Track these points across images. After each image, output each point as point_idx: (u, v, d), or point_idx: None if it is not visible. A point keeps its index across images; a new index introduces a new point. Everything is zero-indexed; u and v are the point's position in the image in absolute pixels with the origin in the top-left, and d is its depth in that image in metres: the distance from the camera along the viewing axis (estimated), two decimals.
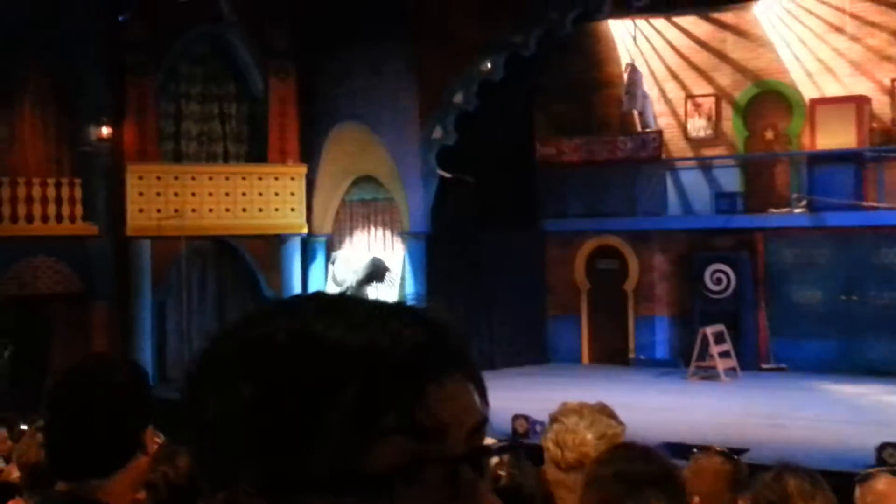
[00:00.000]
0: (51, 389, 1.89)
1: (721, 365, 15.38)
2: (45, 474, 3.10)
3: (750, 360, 16.22)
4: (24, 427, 7.87)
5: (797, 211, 16.16)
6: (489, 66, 16.66)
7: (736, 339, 15.99)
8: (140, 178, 16.70)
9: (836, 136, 16.04)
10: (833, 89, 16.38)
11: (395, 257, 17.36)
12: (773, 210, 16.45)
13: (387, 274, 17.21)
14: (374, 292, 17.27)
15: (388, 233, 17.60)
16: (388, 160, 17.14)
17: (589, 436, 2.63)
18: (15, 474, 4.52)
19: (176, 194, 16.81)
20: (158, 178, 16.82)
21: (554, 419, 2.82)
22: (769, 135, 16.98)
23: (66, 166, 16.43)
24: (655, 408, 13.09)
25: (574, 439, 2.64)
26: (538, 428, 11.16)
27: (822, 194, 15.97)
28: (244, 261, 17.40)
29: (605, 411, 2.80)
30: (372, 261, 17.18)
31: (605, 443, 2.61)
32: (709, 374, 15.48)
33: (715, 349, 15.44)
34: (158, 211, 16.65)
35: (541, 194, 18.21)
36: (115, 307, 16.11)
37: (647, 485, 1.96)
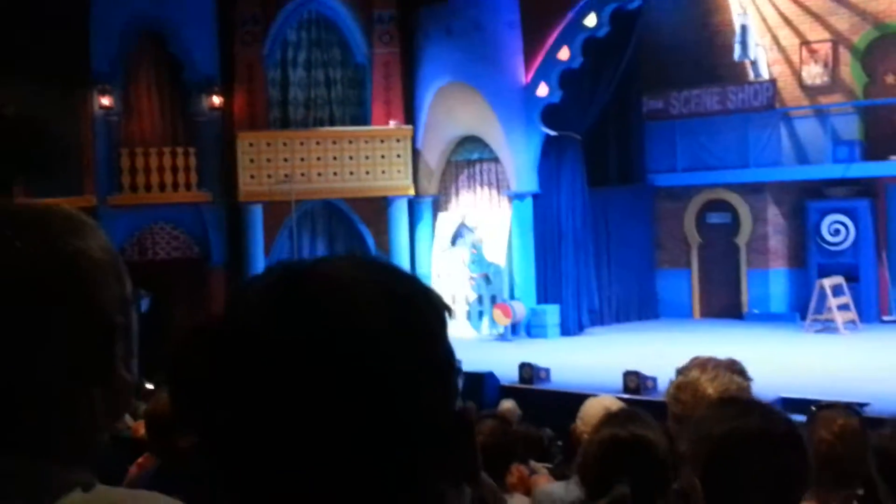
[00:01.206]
0: (174, 348, 1.99)
1: (840, 318, 14.94)
2: (173, 431, 3.23)
3: (870, 313, 15.73)
4: (149, 386, 8.21)
5: None
6: (594, 20, 16.37)
7: (855, 291, 15.49)
8: (250, 144, 17.08)
9: None
10: None
11: (503, 216, 17.35)
12: (895, 157, 15.79)
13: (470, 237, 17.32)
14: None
15: (494, 192, 17.58)
16: (493, 119, 17.07)
17: (710, 390, 2.58)
18: (142, 431, 4.70)
19: (285, 160, 17.14)
20: (268, 144, 17.17)
21: (678, 373, 2.78)
22: (890, 80, 16.27)
23: (180, 136, 16.92)
24: (771, 362, 12.79)
25: (695, 394, 2.59)
26: (649, 383, 11.06)
27: None
28: (352, 223, 17.67)
29: (731, 367, 2.74)
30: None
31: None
32: (827, 327, 15.06)
33: (833, 302, 15.00)
34: (269, 176, 17.02)
35: (649, 149, 17.89)
36: (230, 271, 16.59)
37: (758, 442, 1.89)
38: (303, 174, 17.14)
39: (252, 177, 17.03)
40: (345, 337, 0.79)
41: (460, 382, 0.86)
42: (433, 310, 0.85)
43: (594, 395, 4.43)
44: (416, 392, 0.80)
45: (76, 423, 0.96)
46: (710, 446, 1.89)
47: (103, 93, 16.03)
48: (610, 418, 2.75)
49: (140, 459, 3.83)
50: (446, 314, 0.86)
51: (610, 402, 4.04)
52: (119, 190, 16.25)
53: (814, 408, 3.68)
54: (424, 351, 0.82)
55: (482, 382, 11.83)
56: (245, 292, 0.86)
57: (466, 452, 0.84)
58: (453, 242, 17.65)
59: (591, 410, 3.97)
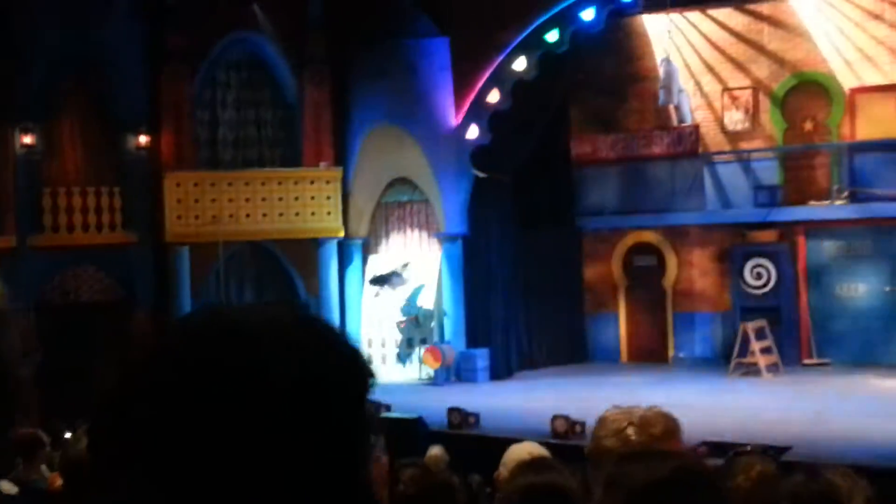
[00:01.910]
0: (97, 394, 1.93)
1: (763, 361, 15.21)
2: (91, 480, 3.14)
3: (792, 356, 16.03)
4: (68, 435, 7.96)
5: (838, 203, 15.93)
6: (524, 64, 16.61)
7: (778, 335, 15.80)
8: (178, 185, 16.86)
9: (877, 125, 15.80)
10: (873, 78, 16.14)
11: (432, 258, 17.37)
12: (814, 202, 16.24)
13: (394, 279, 17.33)
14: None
15: (424, 234, 17.61)
16: (423, 161, 17.15)
17: (634, 437, 2.60)
18: (58, 482, 4.54)
19: (213, 200, 16.95)
20: (196, 184, 16.96)
21: (600, 420, 2.79)
22: (808, 126, 16.77)
23: (105, 175, 16.60)
24: (696, 406, 12.95)
25: (622, 441, 2.60)
26: (578, 428, 11.10)
27: (864, 185, 15.74)
28: (282, 265, 17.51)
29: (653, 410, 2.76)
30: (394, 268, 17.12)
31: (651, 442, 2.58)
32: (750, 371, 15.31)
33: (756, 345, 15.27)
34: (196, 217, 16.80)
35: (577, 191, 18.12)
36: (156, 314, 16.26)
37: (671, 488, 1.90)
38: (231, 215, 16.96)
39: (179, 217, 16.78)
40: (249, 393, 0.79)
41: (380, 442, 0.86)
42: (354, 376, 0.84)
43: (517, 442, 4.41)
44: (321, 455, 0.80)
45: None
46: (624, 498, 1.88)
47: (25, 131, 15.69)
48: (527, 466, 2.74)
49: None
50: (369, 381, 0.86)
51: (532, 448, 4.02)
52: (41, 230, 15.85)
53: (731, 452, 3.69)
54: (337, 416, 0.81)
55: (411, 428, 11.74)
56: (158, 339, 0.87)
57: None
58: (381, 284, 17.59)
59: (514, 456, 3.95)
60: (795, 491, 2.66)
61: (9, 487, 5.17)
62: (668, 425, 2.63)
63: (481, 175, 16.82)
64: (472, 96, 16.70)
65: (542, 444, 4.60)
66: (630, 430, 2.54)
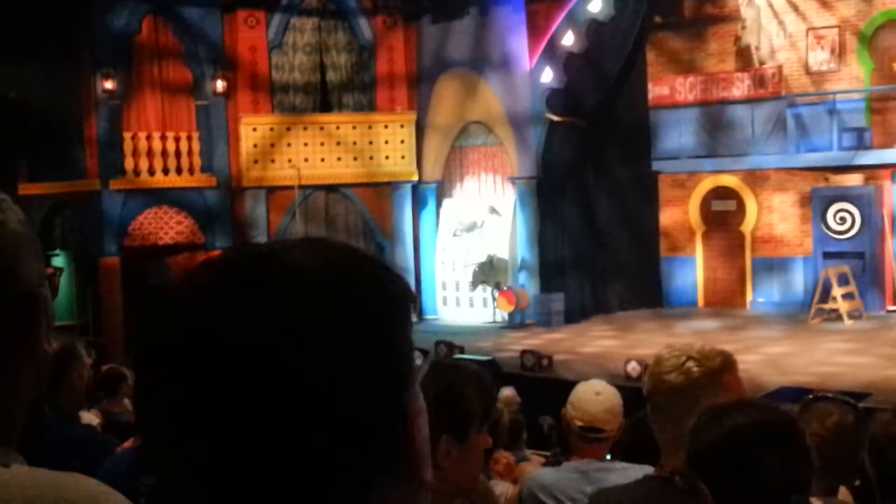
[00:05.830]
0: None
1: (844, 307, 14.89)
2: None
3: (875, 302, 15.65)
4: None
5: None
6: (599, 4, 16.29)
7: (861, 281, 15.43)
8: (254, 129, 17.04)
9: None
10: None
11: (506, 202, 17.31)
12: None
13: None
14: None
15: (498, 178, 17.54)
16: (498, 105, 17.03)
17: (695, 369, 2.61)
18: None
19: (289, 145, 17.11)
20: (272, 129, 17.13)
21: (656, 362, 2.79)
22: None
23: (183, 120, 16.87)
24: (775, 352, 12.78)
25: (682, 374, 2.62)
26: None
27: None
28: (357, 209, 17.64)
29: (703, 350, 2.76)
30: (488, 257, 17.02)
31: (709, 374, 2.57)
32: (831, 317, 15.01)
33: (838, 291, 14.94)
34: (272, 161, 16.99)
35: (654, 135, 17.80)
36: None
37: (761, 438, 1.94)
38: (306, 160, 17.11)
39: (256, 162, 17.01)
40: (293, 328, 0.75)
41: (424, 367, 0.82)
42: (395, 302, 0.81)
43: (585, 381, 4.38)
44: (362, 386, 0.77)
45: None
46: (711, 446, 1.92)
47: (107, 77, 15.99)
48: (429, 371, 2.70)
49: (127, 443, 3.78)
50: (410, 306, 0.83)
51: (601, 387, 4.01)
52: (122, 174, 16.22)
53: (810, 396, 3.61)
54: (380, 346, 0.78)
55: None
56: (193, 284, 0.80)
57: (401, 447, 0.79)
58: (457, 231, 17.64)
59: (582, 395, 3.95)
60: (874, 431, 2.60)
61: (91, 418, 5.34)
62: (726, 359, 2.63)
63: (556, 118, 16.64)
64: (546, 39, 16.46)
65: (616, 387, 4.57)
66: (691, 364, 2.53)
